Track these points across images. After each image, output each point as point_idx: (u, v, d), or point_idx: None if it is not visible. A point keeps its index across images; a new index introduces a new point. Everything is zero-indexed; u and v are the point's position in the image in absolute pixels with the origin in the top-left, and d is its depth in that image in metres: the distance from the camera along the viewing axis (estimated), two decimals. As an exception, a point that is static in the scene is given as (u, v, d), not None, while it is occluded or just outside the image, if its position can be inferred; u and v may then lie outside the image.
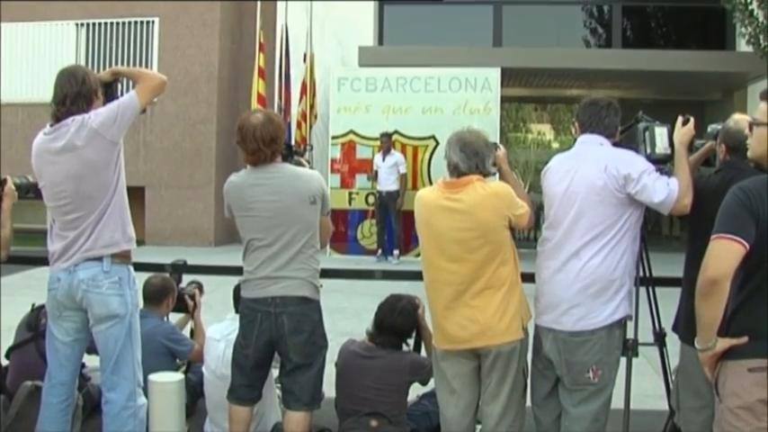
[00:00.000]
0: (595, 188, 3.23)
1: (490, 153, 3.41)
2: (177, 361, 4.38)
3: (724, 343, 2.44)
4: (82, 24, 14.48)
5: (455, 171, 3.35)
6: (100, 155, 3.37)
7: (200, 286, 4.75)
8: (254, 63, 11.77)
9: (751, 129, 2.62)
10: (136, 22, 14.27)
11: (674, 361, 3.50)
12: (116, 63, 14.08)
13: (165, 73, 3.83)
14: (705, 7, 13.59)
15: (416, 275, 3.63)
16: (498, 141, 3.93)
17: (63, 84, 3.43)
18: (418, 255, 3.74)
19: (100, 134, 3.35)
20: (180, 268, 4.69)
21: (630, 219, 3.26)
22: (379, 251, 11.83)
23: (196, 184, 13.82)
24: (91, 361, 3.92)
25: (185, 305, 4.59)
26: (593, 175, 3.24)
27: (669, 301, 3.51)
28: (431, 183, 11.54)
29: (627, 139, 3.44)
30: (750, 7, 10.89)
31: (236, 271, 3.79)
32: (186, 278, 4.79)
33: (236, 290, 3.94)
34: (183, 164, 13.92)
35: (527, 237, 12.70)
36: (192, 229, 13.73)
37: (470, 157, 3.32)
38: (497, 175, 3.59)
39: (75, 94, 3.39)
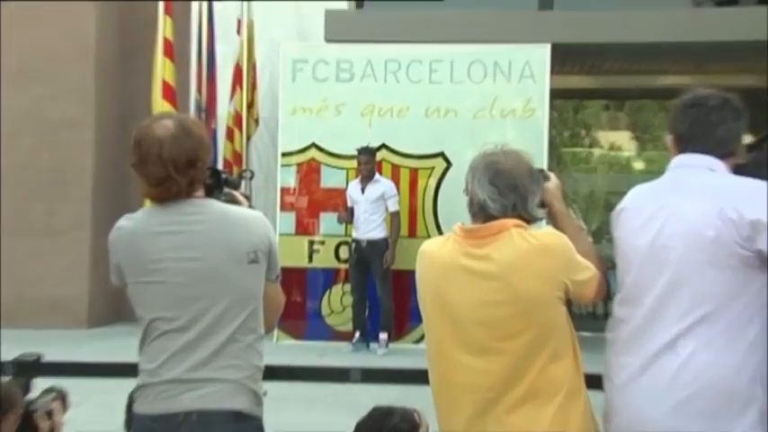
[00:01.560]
0: (703, 241, 3.26)
1: (536, 187, 3.47)
2: None
3: None
4: None
5: (481, 213, 3.40)
6: None
7: (62, 397, 4.74)
8: (157, 34, 11.71)
9: None
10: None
11: None
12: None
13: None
14: None
15: (416, 375, 3.65)
16: (547, 164, 3.99)
17: None
18: (418, 341, 3.78)
19: None
20: (28, 368, 4.69)
21: (762, 290, 3.27)
22: (357, 334, 11.87)
23: (58, 228, 13.80)
24: None
25: (36, 428, 4.58)
26: (700, 221, 3.27)
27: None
28: (438, 228, 11.60)
29: (755, 163, 3.48)
30: None
31: (126, 370, 3.80)
32: (40, 383, 4.78)
33: (129, 401, 3.95)
34: (38, 193, 13.79)
35: (593, 312, 12.71)
36: (52, 301, 13.67)
37: (505, 194, 3.38)
38: (545, 219, 3.65)
39: None
